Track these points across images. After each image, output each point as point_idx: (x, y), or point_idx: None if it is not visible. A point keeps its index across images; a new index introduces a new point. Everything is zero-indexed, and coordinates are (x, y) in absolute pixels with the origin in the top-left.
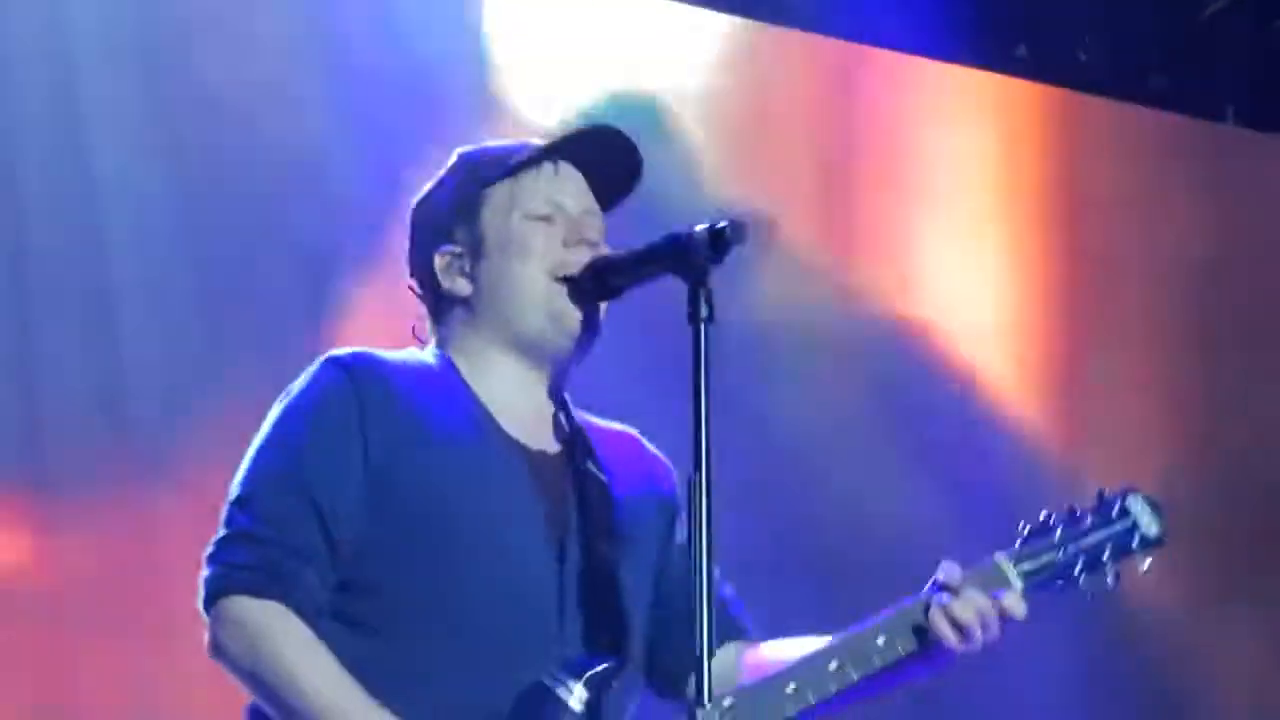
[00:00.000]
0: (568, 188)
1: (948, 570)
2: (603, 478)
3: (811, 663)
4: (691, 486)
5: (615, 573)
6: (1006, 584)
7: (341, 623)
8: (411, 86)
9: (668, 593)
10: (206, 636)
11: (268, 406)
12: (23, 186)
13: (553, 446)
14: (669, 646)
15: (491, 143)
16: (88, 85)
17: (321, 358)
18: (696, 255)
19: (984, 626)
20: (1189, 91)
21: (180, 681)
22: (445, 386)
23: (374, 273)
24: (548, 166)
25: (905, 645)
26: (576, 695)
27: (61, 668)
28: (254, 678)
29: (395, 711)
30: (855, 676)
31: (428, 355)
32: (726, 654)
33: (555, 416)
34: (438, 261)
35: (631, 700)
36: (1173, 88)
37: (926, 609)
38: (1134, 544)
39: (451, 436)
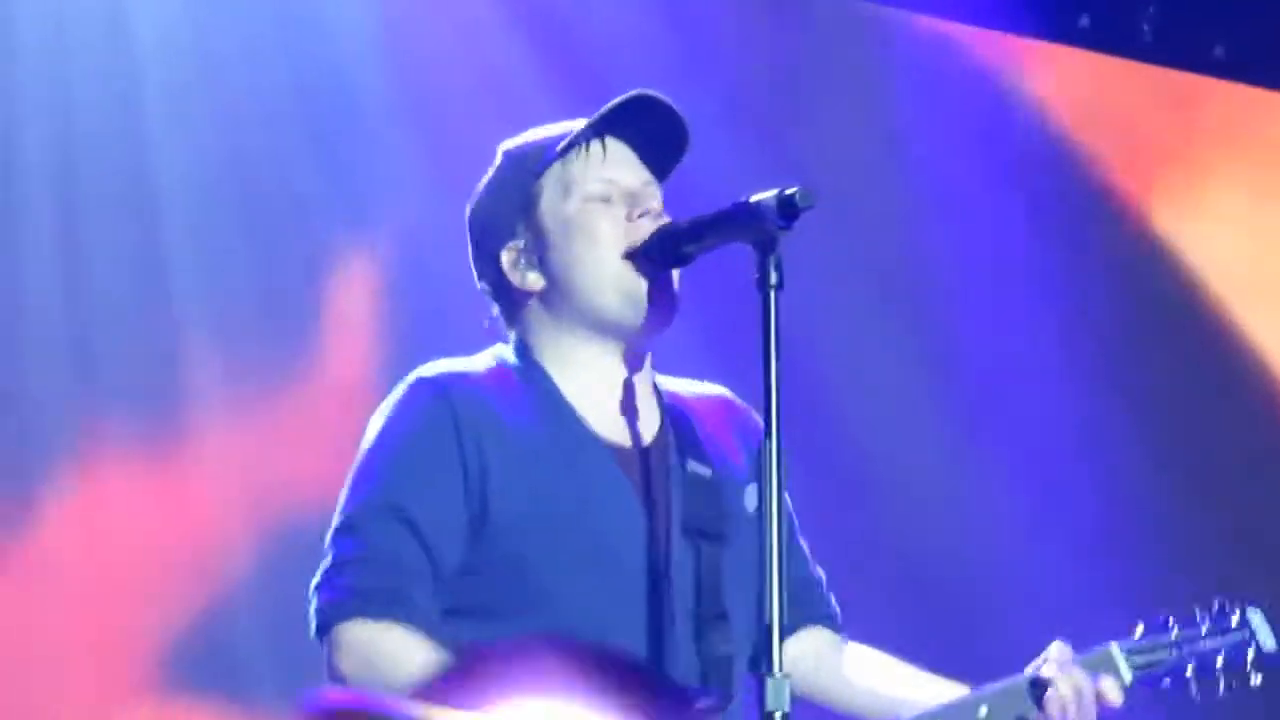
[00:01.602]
0: (620, 163)
1: (1060, 649)
2: (700, 465)
3: None
4: (763, 453)
5: (720, 560)
6: (1115, 672)
7: (449, 646)
8: None
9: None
10: (326, 665)
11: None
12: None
13: (646, 438)
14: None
15: (533, 133)
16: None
17: (410, 378)
18: (765, 222)
19: (1084, 703)
20: (1252, 62)
21: None
22: (532, 392)
23: None
24: (595, 146)
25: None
26: None
27: None
28: None
29: None
30: None
31: (509, 355)
32: (812, 638)
33: (645, 404)
34: (504, 259)
35: None
36: (1234, 59)
37: (1031, 684)
38: (1249, 657)
39: (544, 444)
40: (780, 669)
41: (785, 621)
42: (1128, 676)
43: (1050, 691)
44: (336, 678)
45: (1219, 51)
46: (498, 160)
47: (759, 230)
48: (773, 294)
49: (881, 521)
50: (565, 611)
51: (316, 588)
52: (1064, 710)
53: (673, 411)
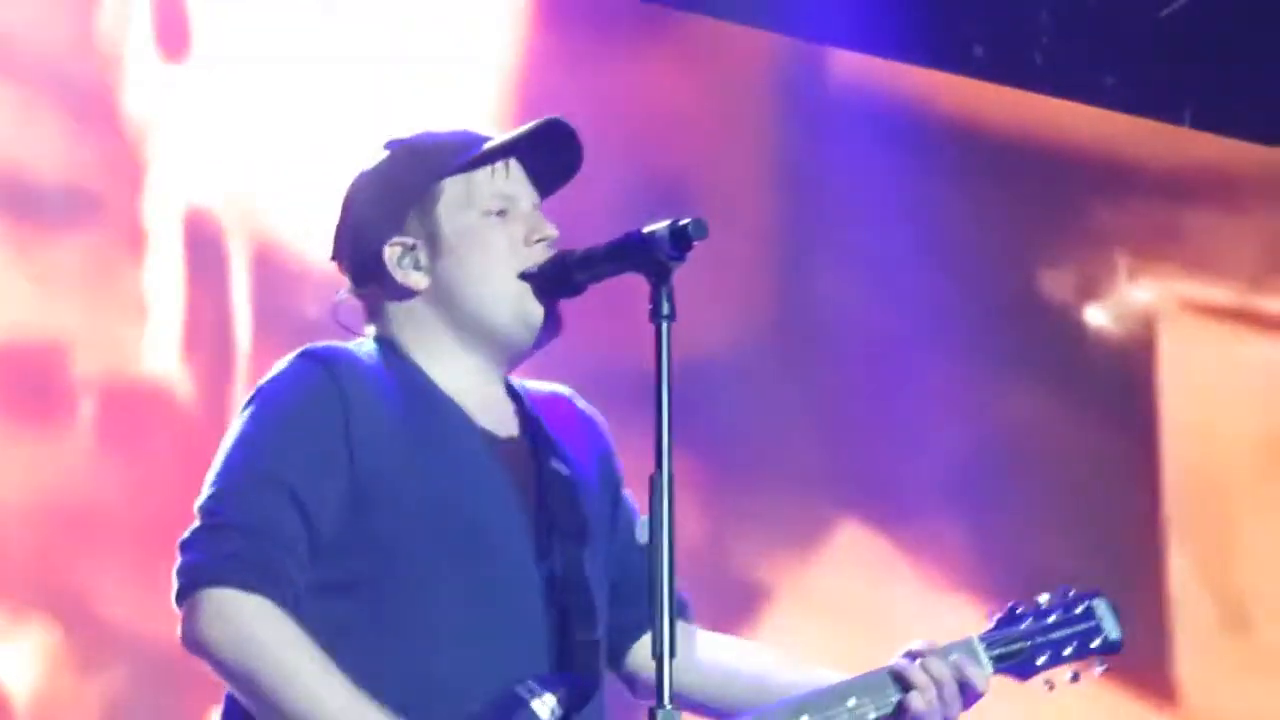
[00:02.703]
0: (518, 183)
1: (923, 641)
2: (559, 464)
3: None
4: (653, 485)
5: (583, 559)
6: (977, 662)
7: (324, 619)
8: None
9: (615, 557)
10: (180, 628)
11: None
12: None
13: (513, 432)
14: (622, 623)
15: (425, 133)
16: None
17: (296, 352)
18: (659, 253)
19: (947, 691)
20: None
21: None
22: (407, 382)
23: None
24: (501, 165)
25: (876, 710)
26: (548, 706)
27: None
28: (242, 675)
29: (381, 697)
30: None
31: (371, 346)
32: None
33: (510, 403)
34: (388, 253)
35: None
36: (1125, 89)
37: (894, 675)
38: (1094, 646)
39: (424, 433)
40: (670, 701)
41: (641, 619)
42: (989, 668)
43: (913, 681)
44: (197, 643)
45: (1109, 81)
46: (384, 153)
47: (652, 261)
48: (665, 324)
49: None
50: (432, 591)
51: (184, 546)
52: (928, 700)
53: (528, 409)
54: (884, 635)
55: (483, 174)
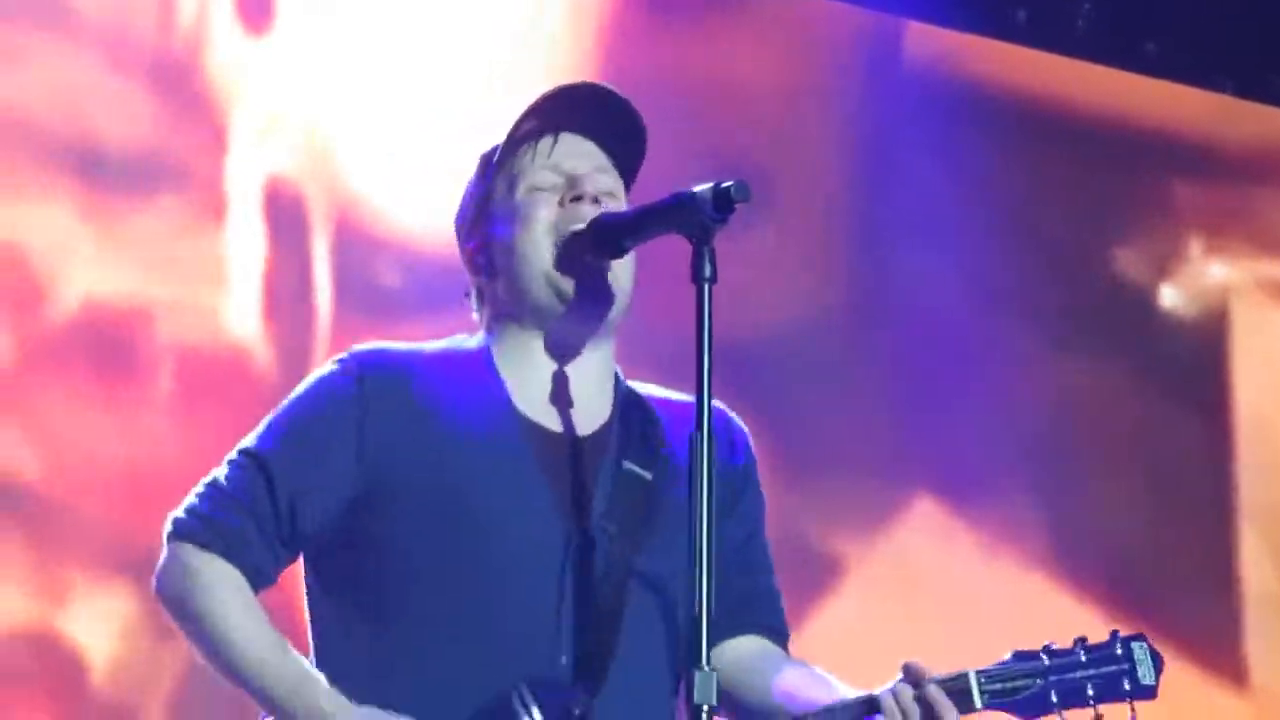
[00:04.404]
0: (569, 153)
1: (911, 670)
2: (639, 467)
3: None
4: (693, 445)
5: (630, 563)
6: (967, 696)
7: (330, 618)
8: None
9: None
10: (156, 570)
11: None
12: None
13: (584, 429)
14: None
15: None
16: None
17: (348, 350)
18: (701, 214)
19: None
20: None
21: None
22: (473, 372)
23: None
24: (546, 139)
25: None
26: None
27: None
28: (188, 623)
29: (382, 691)
30: None
31: (472, 342)
32: (750, 644)
33: (594, 396)
34: (467, 263)
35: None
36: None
37: (867, 703)
38: (1124, 688)
39: (467, 424)
40: (708, 662)
41: (725, 624)
42: (979, 702)
43: (883, 708)
44: (156, 587)
45: (1151, 49)
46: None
47: (694, 223)
48: (706, 286)
49: None
50: (428, 590)
51: (183, 503)
52: None
53: (631, 411)
54: (956, 611)
55: (527, 156)
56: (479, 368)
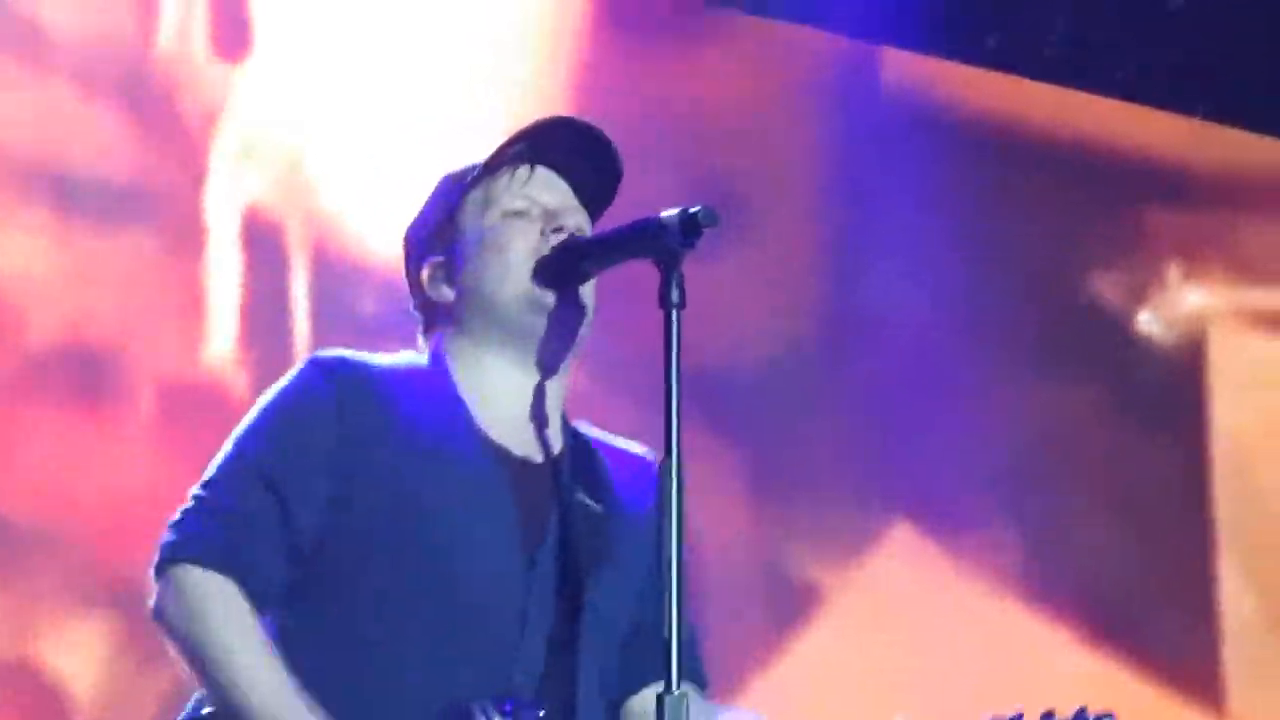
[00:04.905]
0: (545, 186)
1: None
2: (590, 499)
3: None
4: (662, 472)
5: (583, 592)
6: None
7: (296, 619)
8: None
9: (645, 619)
10: (151, 601)
11: None
12: None
13: (539, 457)
14: (628, 668)
15: (469, 161)
16: None
17: (307, 357)
18: (668, 240)
19: None
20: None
21: None
22: (433, 390)
23: None
24: (523, 169)
25: None
26: None
27: None
28: (190, 650)
29: (339, 708)
30: None
31: (422, 359)
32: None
33: (550, 430)
34: (424, 273)
35: None
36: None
37: None
38: None
39: (428, 441)
40: (677, 686)
41: (638, 675)
42: None
43: None
44: (160, 617)
45: (1124, 74)
46: (436, 186)
47: (661, 248)
48: (674, 312)
49: None
50: (414, 597)
51: (169, 527)
52: None
53: (580, 447)
54: (933, 639)
55: (502, 179)
56: (437, 385)
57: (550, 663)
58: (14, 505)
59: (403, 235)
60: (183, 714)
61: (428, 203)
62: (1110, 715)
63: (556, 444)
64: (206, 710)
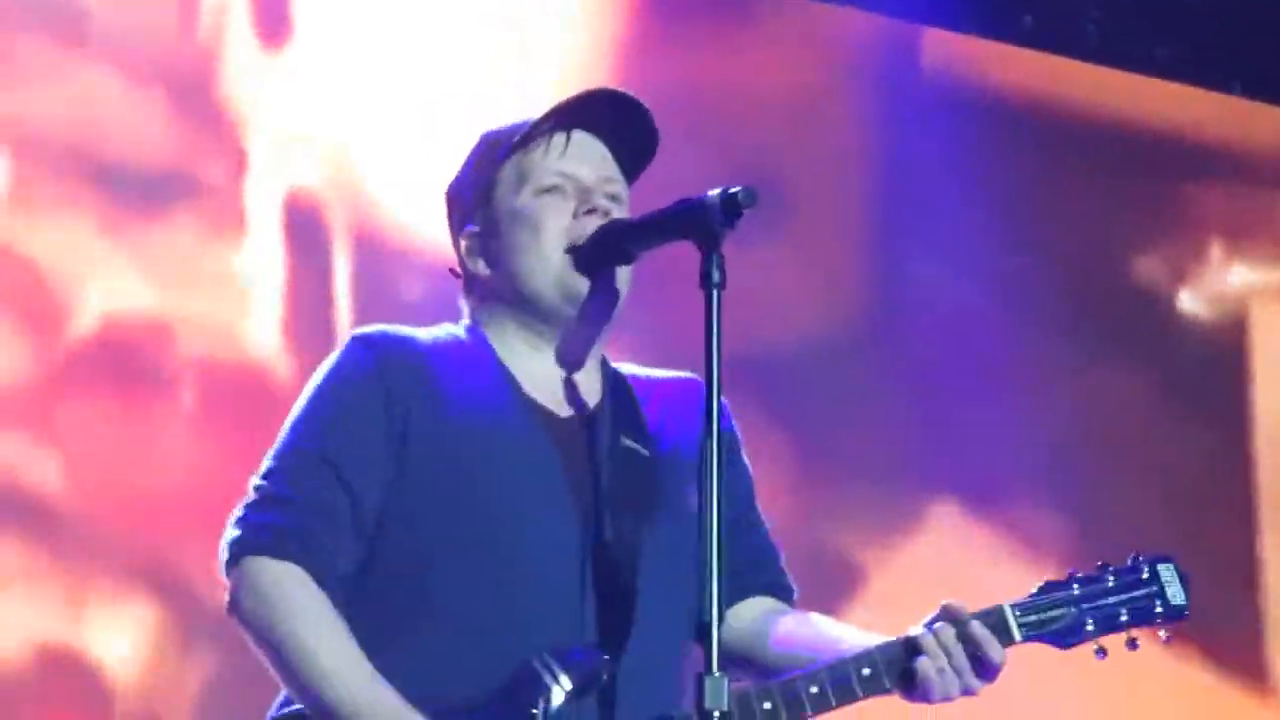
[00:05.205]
0: (581, 156)
1: (947, 609)
2: (635, 443)
3: (793, 685)
4: (702, 451)
5: (640, 540)
6: (1006, 631)
7: (363, 592)
8: None
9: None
10: (226, 597)
11: None
12: None
13: (581, 410)
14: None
15: (510, 119)
16: None
17: (349, 335)
18: (709, 220)
19: (955, 660)
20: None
21: None
22: (473, 357)
23: None
24: (558, 137)
25: (890, 681)
26: (561, 684)
27: None
28: (267, 642)
29: (409, 680)
30: (834, 703)
31: (459, 329)
32: (761, 605)
33: (587, 379)
34: (462, 244)
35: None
36: (1178, 59)
37: (906, 643)
38: (1156, 611)
39: (476, 407)
40: (717, 668)
41: (733, 587)
42: (1018, 635)
43: (923, 648)
44: (236, 612)
45: (1162, 52)
46: (475, 143)
47: (702, 229)
48: (715, 292)
49: None
50: (475, 563)
51: (233, 523)
52: (938, 668)
53: (619, 390)
54: None
55: (537, 153)
56: (478, 353)
57: (615, 611)
58: (59, 492)
59: (445, 197)
60: (270, 711)
61: (466, 162)
62: (1170, 559)
63: (596, 395)
64: (295, 708)
